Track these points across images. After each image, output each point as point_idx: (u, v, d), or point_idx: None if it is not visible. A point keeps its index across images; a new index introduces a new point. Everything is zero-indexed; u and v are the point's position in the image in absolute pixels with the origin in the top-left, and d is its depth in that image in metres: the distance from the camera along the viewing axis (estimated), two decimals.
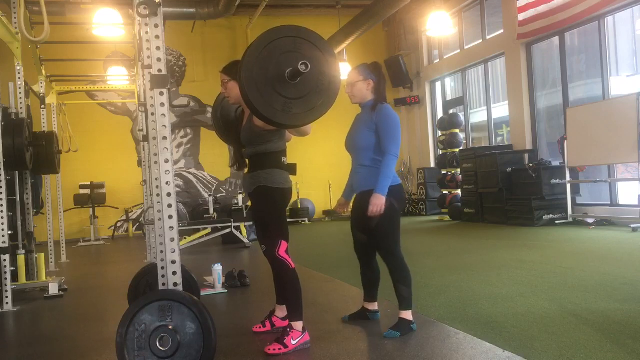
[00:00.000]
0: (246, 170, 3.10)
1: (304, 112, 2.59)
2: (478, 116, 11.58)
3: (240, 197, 9.93)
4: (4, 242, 4.32)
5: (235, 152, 3.24)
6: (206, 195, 11.56)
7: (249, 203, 3.38)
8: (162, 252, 3.12)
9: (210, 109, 12.19)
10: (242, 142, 3.08)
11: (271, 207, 2.96)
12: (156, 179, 2.82)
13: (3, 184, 4.32)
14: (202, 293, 4.07)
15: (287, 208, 3.14)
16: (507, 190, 8.89)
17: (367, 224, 3.07)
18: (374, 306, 3.34)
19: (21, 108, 5.02)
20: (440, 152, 11.38)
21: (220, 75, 3.13)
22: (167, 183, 2.48)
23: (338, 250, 6.41)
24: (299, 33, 2.60)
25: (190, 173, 12.12)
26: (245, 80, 2.51)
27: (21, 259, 4.84)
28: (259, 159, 2.99)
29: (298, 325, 2.84)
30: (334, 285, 4.49)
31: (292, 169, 3.05)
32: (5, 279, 4.34)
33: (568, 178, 8.08)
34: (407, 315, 2.97)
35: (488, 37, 10.52)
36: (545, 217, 8.19)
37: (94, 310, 4.34)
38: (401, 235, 3.11)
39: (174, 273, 2.47)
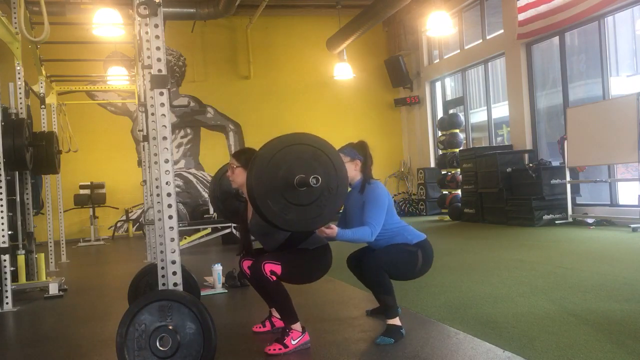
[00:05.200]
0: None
1: (297, 219, 2.59)
2: (478, 116, 11.57)
3: None
4: (4, 242, 4.32)
5: (241, 235, 3.28)
6: (206, 195, 11.56)
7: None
8: (162, 252, 3.12)
9: (210, 109, 12.23)
10: (253, 235, 3.13)
11: (309, 262, 2.98)
12: (156, 179, 2.82)
13: (3, 184, 4.32)
14: (202, 293, 4.07)
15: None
16: (507, 190, 8.89)
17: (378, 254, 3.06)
18: None
19: (21, 108, 5.02)
20: (440, 152, 11.38)
21: (230, 159, 3.18)
22: (167, 183, 2.47)
23: (338, 251, 6.35)
24: (321, 146, 2.64)
25: (190, 173, 12.12)
26: (256, 172, 2.52)
27: (21, 259, 4.84)
28: (286, 246, 3.00)
29: (297, 326, 2.84)
30: (334, 285, 4.49)
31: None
32: (5, 279, 4.34)
33: (568, 178, 8.08)
34: (396, 321, 2.96)
35: (488, 37, 10.52)
36: (545, 217, 8.19)
37: (94, 310, 4.34)
38: None
39: (174, 273, 2.47)
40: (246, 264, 3.13)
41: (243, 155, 3.11)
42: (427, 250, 3.11)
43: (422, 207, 12.00)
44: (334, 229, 2.83)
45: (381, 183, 3.15)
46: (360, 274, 3.25)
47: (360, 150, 3.16)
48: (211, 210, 9.50)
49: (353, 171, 3.11)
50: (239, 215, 3.42)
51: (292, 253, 2.96)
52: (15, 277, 4.72)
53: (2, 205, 4.31)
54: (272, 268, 2.82)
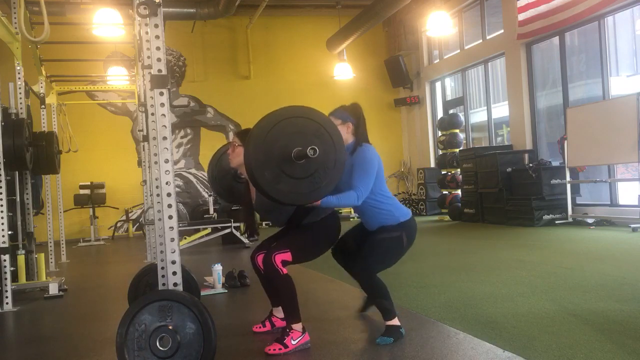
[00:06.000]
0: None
1: (288, 190, 2.59)
2: (478, 116, 11.57)
3: None
4: (4, 242, 4.32)
5: (246, 217, 3.27)
6: (206, 195, 11.56)
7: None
8: (162, 252, 3.12)
9: (210, 109, 12.23)
10: (260, 213, 3.15)
11: (317, 236, 3.00)
12: (156, 179, 2.82)
13: (3, 184, 4.32)
14: (202, 293, 4.07)
15: None
16: (507, 190, 8.88)
17: (365, 239, 3.05)
18: None
19: (21, 108, 5.02)
20: (440, 152, 11.38)
21: (232, 138, 3.18)
22: (167, 183, 2.47)
23: None
24: (325, 123, 2.65)
25: (190, 173, 12.12)
26: (254, 139, 2.52)
27: (21, 259, 4.84)
28: (295, 221, 3.01)
29: (297, 326, 2.84)
30: (334, 285, 4.49)
31: None
32: (5, 279, 4.34)
33: (568, 178, 8.08)
34: (395, 321, 2.94)
35: (488, 37, 10.52)
36: (545, 217, 8.19)
37: (94, 310, 4.34)
38: None
39: (174, 273, 2.47)
40: (260, 258, 3.13)
41: (246, 135, 3.07)
42: (410, 229, 3.04)
43: (422, 207, 12.00)
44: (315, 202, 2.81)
45: (372, 147, 3.06)
46: (345, 264, 3.23)
47: (352, 112, 3.10)
48: (211, 210, 9.52)
49: (345, 134, 3.03)
50: (235, 195, 3.42)
51: (299, 233, 2.97)
52: (15, 277, 4.72)
53: (2, 205, 4.31)
54: (282, 257, 2.84)
